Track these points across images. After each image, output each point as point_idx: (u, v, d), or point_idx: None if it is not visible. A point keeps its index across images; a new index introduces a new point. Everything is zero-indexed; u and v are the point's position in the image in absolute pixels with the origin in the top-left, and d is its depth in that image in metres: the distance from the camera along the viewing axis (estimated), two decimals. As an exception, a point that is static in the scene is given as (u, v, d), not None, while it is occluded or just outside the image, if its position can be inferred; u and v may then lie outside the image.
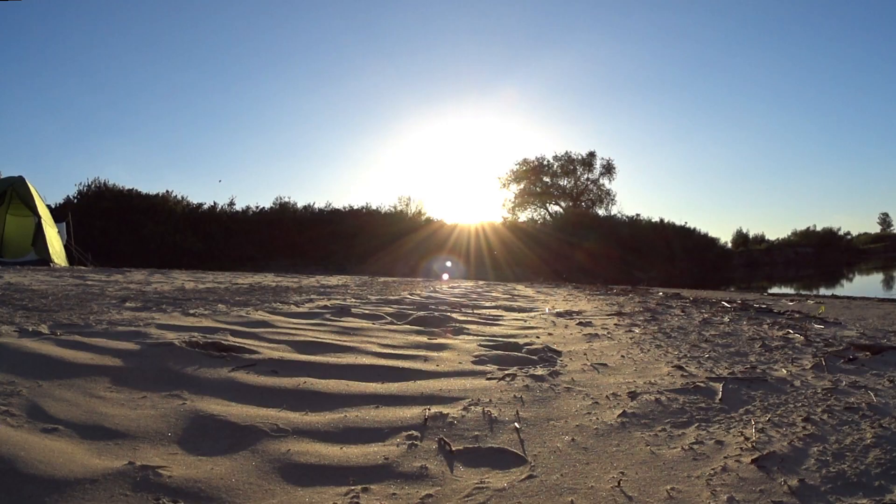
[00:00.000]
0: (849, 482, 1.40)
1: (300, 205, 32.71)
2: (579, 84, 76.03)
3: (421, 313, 4.62)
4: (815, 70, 75.94)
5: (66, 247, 14.60)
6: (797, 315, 4.89)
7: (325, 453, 1.61)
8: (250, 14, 70.71)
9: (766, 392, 2.19)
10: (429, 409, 1.97)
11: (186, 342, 2.78)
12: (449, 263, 26.62)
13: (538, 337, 3.68)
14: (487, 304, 6.13)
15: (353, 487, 1.40)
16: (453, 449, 1.64)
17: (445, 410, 1.97)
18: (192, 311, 4.09)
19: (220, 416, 1.82)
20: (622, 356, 3.01)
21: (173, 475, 1.41)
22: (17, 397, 1.88)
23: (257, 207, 31.94)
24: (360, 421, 1.87)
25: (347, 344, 3.15)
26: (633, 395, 2.16)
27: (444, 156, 66.21)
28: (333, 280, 10.56)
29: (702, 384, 2.30)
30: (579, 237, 31.40)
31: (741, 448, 1.61)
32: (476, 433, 1.77)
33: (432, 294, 7.47)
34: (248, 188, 64.77)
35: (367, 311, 4.67)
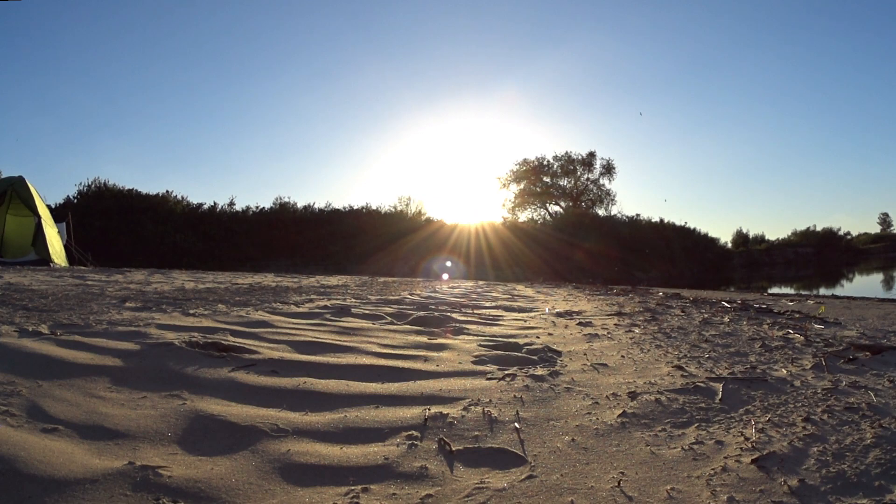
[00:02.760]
0: (849, 482, 1.40)
1: (300, 205, 32.70)
2: (579, 84, 76.26)
3: (421, 313, 4.62)
4: (815, 70, 76.20)
5: (66, 247, 14.60)
6: (797, 315, 4.88)
7: (325, 453, 1.61)
8: (249, 14, 70.70)
9: (766, 392, 2.19)
10: (429, 410, 1.96)
11: (186, 342, 2.78)
12: (449, 263, 26.68)
13: (538, 337, 3.68)
14: (487, 304, 6.13)
15: (353, 487, 1.40)
16: (453, 449, 1.64)
17: (445, 410, 1.97)
18: (192, 311, 4.09)
19: (220, 416, 1.82)
20: (622, 356, 3.01)
21: (173, 475, 1.41)
22: (17, 397, 1.88)
23: (257, 207, 31.90)
24: (360, 421, 1.87)
25: (347, 344, 3.15)
26: (633, 396, 2.16)
27: (445, 156, 66.35)
28: (333, 280, 10.56)
29: (702, 384, 2.30)
30: (579, 237, 31.44)
31: (741, 448, 1.61)
32: (476, 433, 1.77)
33: (432, 294, 7.47)
34: (249, 188, 64.48)
35: (366, 312, 4.67)
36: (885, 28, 70.94)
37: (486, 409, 1.99)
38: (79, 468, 1.41)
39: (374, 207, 33.53)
